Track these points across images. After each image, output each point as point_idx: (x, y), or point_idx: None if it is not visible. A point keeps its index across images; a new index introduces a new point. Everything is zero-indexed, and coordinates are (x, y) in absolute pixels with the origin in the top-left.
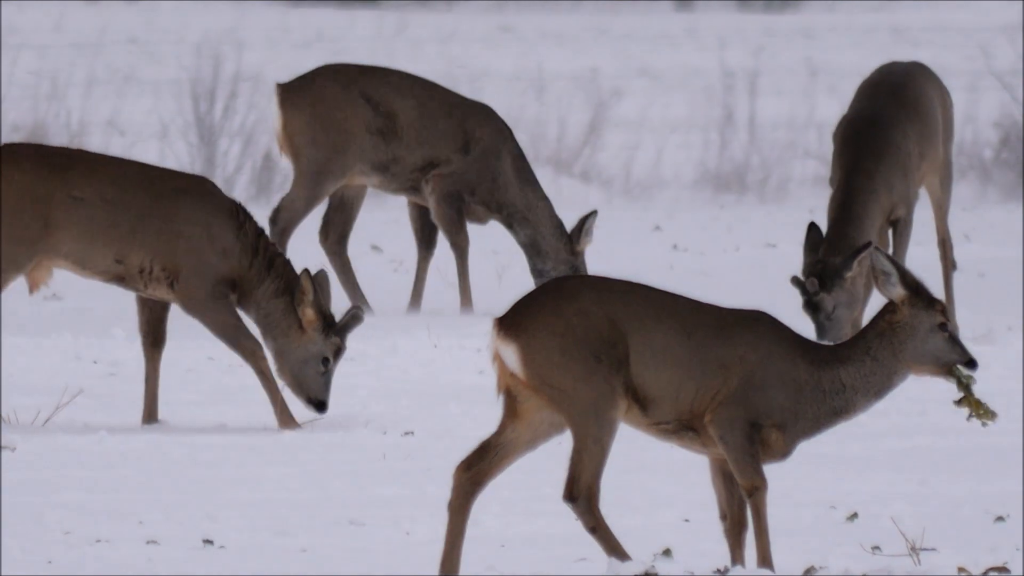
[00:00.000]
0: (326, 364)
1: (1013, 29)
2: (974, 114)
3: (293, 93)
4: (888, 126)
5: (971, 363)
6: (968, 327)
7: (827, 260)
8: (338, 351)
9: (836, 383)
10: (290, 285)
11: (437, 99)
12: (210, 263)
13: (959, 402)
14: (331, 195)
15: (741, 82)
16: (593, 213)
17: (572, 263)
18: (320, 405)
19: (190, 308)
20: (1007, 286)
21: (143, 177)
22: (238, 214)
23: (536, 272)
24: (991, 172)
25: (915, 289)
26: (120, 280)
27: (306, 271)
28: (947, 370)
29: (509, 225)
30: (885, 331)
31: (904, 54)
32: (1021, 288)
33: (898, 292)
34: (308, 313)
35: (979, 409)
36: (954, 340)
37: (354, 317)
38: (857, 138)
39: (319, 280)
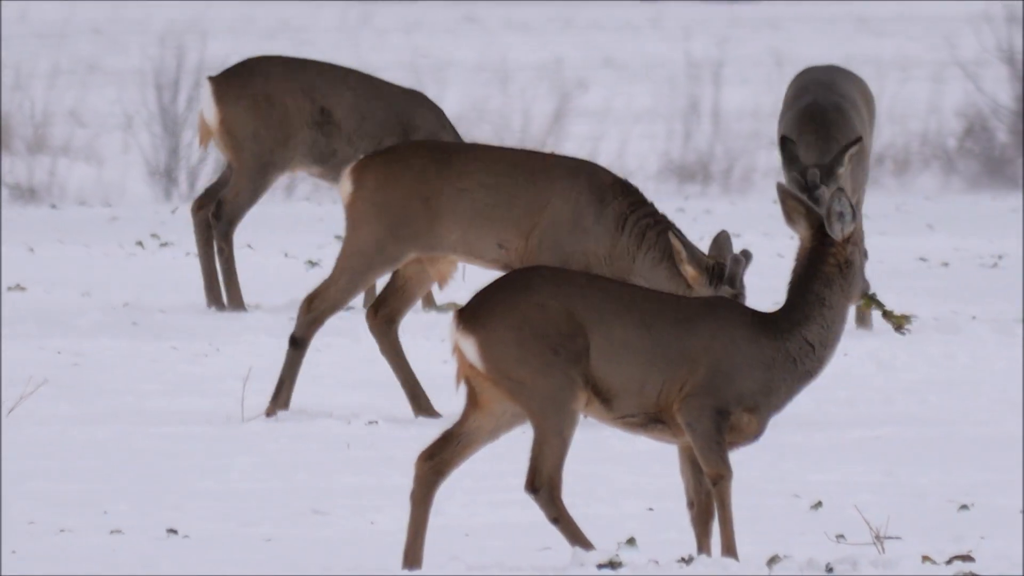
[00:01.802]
0: None
1: (977, 19)
2: (938, 104)
3: (229, 86)
4: (849, 114)
5: (869, 288)
6: (932, 317)
7: (817, 165)
8: (735, 298)
9: (803, 346)
10: (667, 251)
11: (372, 90)
12: (565, 241)
13: (885, 316)
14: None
15: (706, 72)
16: None
17: None
18: None
19: None
20: (971, 276)
21: (522, 161)
22: (605, 197)
23: None
24: (955, 162)
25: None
26: (507, 268)
27: (670, 230)
28: (862, 297)
29: None
30: (834, 275)
31: (869, 44)
32: (988, 279)
33: (849, 230)
34: (689, 271)
35: (895, 317)
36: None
37: (735, 261)
38: (823, 121)
39: (719, 240)
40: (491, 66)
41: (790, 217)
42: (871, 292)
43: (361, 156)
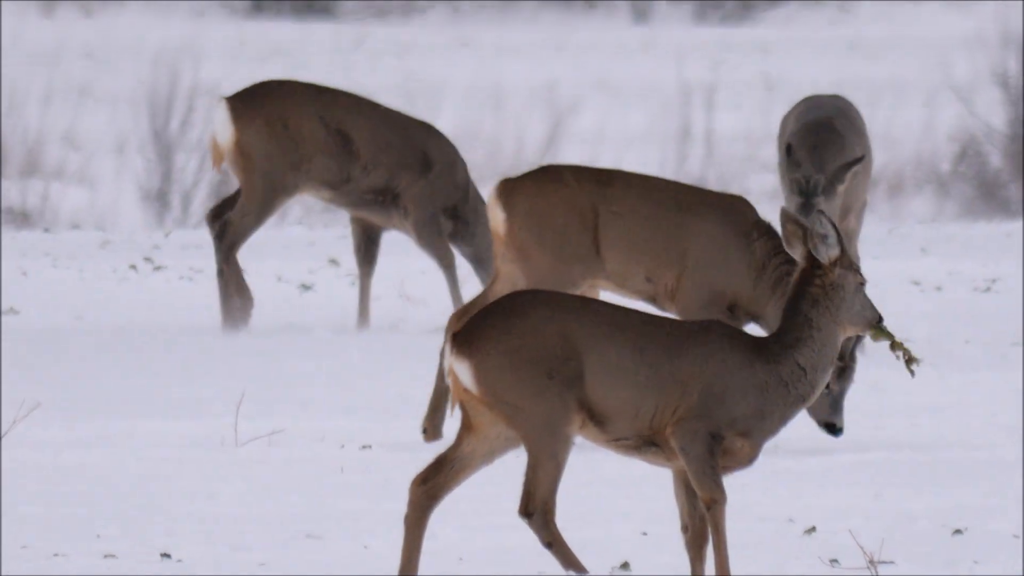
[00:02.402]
0: (827, 386)
1: (971, 42)
2: (932, 128)
3: (246, 107)
4: (850, 136)
5: (881, 318)
6: (926, 341)
7: (820, 175)
8: (841, 372)
9: (795, 370)
10: None
11: (389, 119)
12: (711, 280)
13: (892, 347)
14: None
15: (698, 95)
16: None
17: None
18: (830, 427)
19: (680, 314)
20: (964, 300)
21: (674, 193)
22: (752, 234)
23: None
24: (948, 186)
25: (843, 249)
26: (652, 300)
27: None
28: (870, 327)
29: (456, 238)
30: (819, 297)
31: (862, 68)
32: (981, 304)
33: (834, 253)
34: None
35: (908, 355)
36: (868, 297)
37: (859, 338)
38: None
39: None
40: (484, 89)
41: (789, 241)
42: (881, 323)
43: (502, 180)
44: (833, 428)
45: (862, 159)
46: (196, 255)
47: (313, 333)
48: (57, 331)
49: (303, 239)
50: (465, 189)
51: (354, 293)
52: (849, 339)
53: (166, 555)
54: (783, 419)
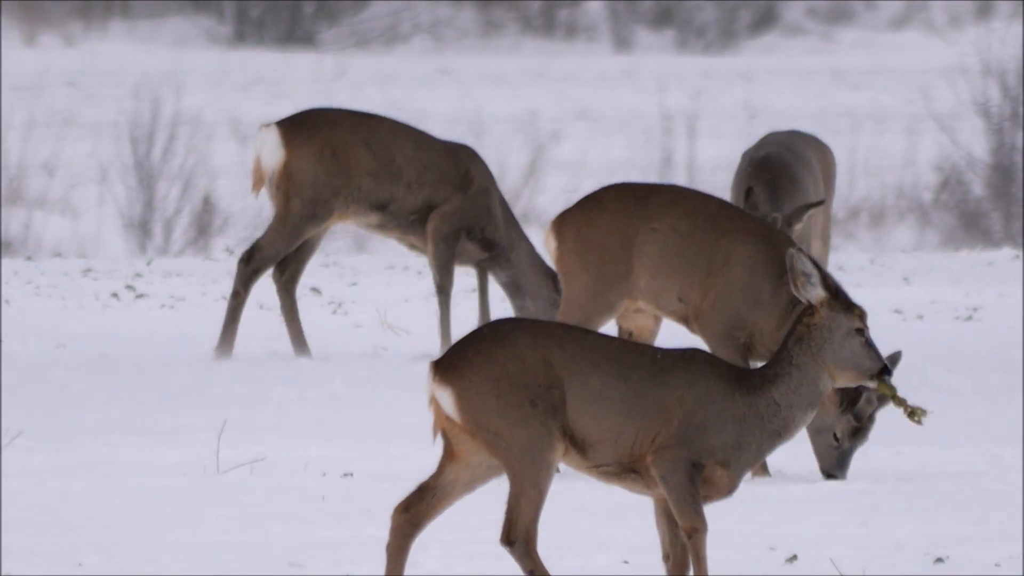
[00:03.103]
0: (837, 440)
1: (952, 72)
2: (913, 157)
3: (298, 132)
4: (799, 173)
5: (884, 370)
6: (908, 370)
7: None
8: (855, 432)
9: (771, 405)
10: None
11: (429, 141)
12: (737, 308)
13: (894, 402)
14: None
15: (680, 124)
16: None
17: (555, 301)
18: (830, 477)
19: (703, 336)
20: (946, 329)
21: (716, 213)
22: (783, 269)
23: (518, 310)
24: (930, 215)
25: (834, 292)
26: (685, 322)
27: None
28: (869, 378)
29: (493, 264)
30: (803, 336)
31: (843, 97)
32: (963, 333)
33: (817, 294)
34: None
35: (909, 409)
36: (871, 346)
37: (868, 401)
38: (774, 174)
39: (891, 358)
40: (466, 118)
41: (794, 283)
42: (882, 375)
43: (558, 214)
44: (834, 478)
45: (821, 203)
46: (178, 283)
47: (295, 361)
48: (39, 359)
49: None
50: (495, 214)
51: (334, 321)
52: (870, 404)
53: None
54: (760, 451)
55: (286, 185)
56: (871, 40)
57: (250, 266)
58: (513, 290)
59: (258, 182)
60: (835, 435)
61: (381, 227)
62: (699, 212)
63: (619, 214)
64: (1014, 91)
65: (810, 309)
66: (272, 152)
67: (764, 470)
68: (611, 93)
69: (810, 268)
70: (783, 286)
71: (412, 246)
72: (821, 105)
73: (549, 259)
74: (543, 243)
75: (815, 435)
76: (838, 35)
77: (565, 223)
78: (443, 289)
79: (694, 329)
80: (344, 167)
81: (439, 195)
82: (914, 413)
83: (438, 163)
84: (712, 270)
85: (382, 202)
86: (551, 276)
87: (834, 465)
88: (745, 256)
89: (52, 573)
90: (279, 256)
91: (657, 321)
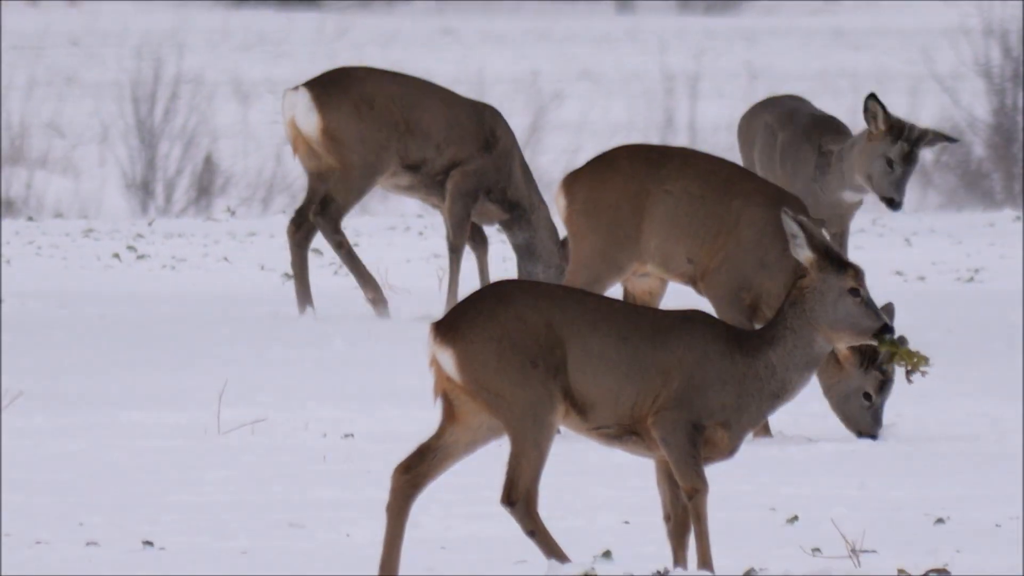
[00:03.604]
0: (869, 399)
1: (954, 32)
2: (915, 117)
3: (330, 93)
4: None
5: (885, 329)
6: (909, 331)
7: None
8: (881, 384)
9: (768, 367)
10: None
11: (454, 100)
12: (744, 270)
13: (896, 359)
14: (317, 191)
15: (682, 85)
16: None
17: (563, 269)
18: (867, 437)
19: (709, 297)
20: (948, 290)
21: (728, 176)
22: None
23: (526, 274)
24: (931, 176)
25: (823, 252)
26: (693, 283)
27: None
28: (869, 337)
29: (510, 226)
30: (796, 298)
31: (845, 57)
32: (964, 294)
33: (805, 255)
34: (843, 350)
35: (912, 359)
36: (868, 305)
37: (891, 354)
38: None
39: (885, 310)
40: (468, 79)
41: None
42: (883, 334)
43: (567, 173)
44: (874, 438)
45: (957, 140)
46: (179, 243)
47: (296, 322)
48: (40, 319)
49: (286, 228)
50: (516, 176)
51: (335, 282)
52: (880, 352)
53: (148, 543)
54: (760, 412)
55: (333, 146)
56: (872, 1)
57: (329, 216)
58: (525, 253)
59: (297, 146)
60: (866, 394)
61: (409, 188)
62: (712, 174)
63: (632, 176)
64: (1015, 52)
65: (802, 271)
66: (306, 115)
67: (766, 430)
68: (613, 54)
69: (795, 229)
70: (788, 252)
71: (435, 205)
72: (823, 66)
73: (558, 219)
74: (552, 202)
75: (843, 401)
76: None
77: (577, 183)
78: (455, 248)
79: (700, 290)
80: (382, 123)
81: (464, 154)
82: (917, 364)
83: (464, 122)
84: (722, 231)
85: (415, 163)
86: (562, 243)
87: (871, 424)
88: (756, 218)
89: (53, 533)
90: (352, 205)
91: (663, 284)
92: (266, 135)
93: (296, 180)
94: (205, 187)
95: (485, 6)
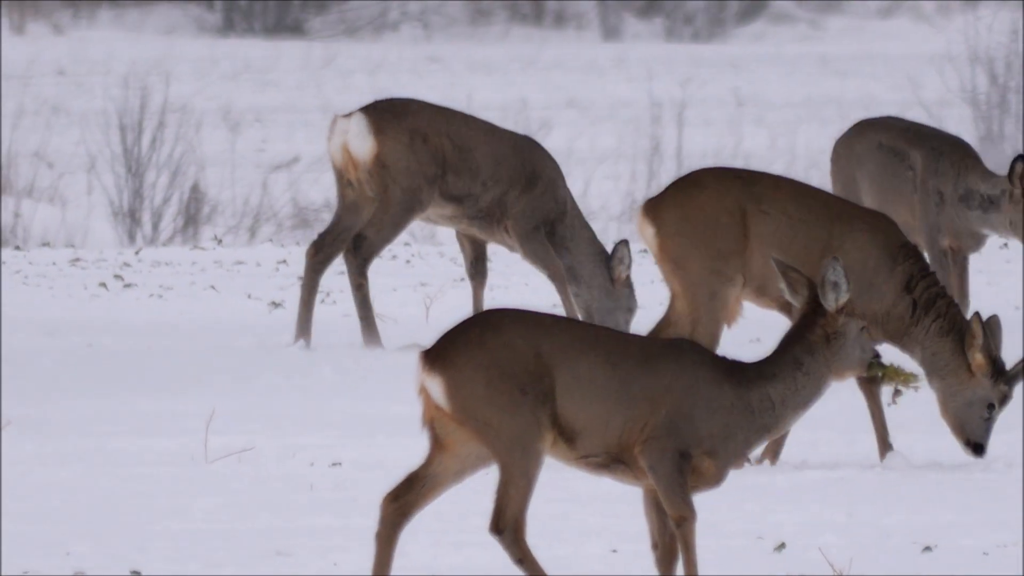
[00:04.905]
0: (991, 410)
1: (940, 59)
2: None
3: (387, 121)
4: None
5: (875, 355)
6: (896, 357)
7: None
8: (1004, 398)
9: (765, 401)
10: (956, 326)
11: (500, 135)
12: (852, 293)
13: (881, 380)
14: (343, 222)
15: (669, 113)
16: (623, 242)
17: (609, 290)
18: (978, 448)
19: None
20: None
21: (824, 200)
22: (897, 257)
23: (575, 297)
24: None
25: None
26: (785, 309)
27: (977, 315)
28: (867, 368)
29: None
30: (818, 344)
31: (832, 85)
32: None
33: (842, 299)
34: (978, 358)
35: (900, 377)
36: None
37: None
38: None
39: (991, 325)
40: (455, 107)
41: (792, 288)
42: (875, 359)
43: (645, 201)
44: (981, 449)
45: None
46: (166, 272)
47: (284, 350)
48: (28, 348)
49: (273, 257)
50: (564, 205)
51: (322, 310)
52: (1018, 367)
53: (136, 572)
54: (747, 443)
55: (381, 174)
56: (859, 28)
57: (360, 255)
58: (569, 277)
59: (347, 170)
60: (991, 405)
61: (451, 218)
62: (808, 196)
63: (724, 192)
64: (1002, 79)
65: (819, 319)
66: (361, 140)
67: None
68: (600, 82)
69: (842, 278)
70: (896, 269)
71: (474, 238)
72: (809, 93)
73: (650, 248)
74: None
75: (965, 407)
76: (826, 23)
77: (662, 206)
78: (554, 276)
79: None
80: (433, 156)
81: (511, 193)
82: (907, 380)
83: (510, 159)
84: (825, 255)
85: (459, 196)
86: (608, 266)
87: (984, 435)
88: (863, 242)
89: (41, 562)
90: (387, 242)
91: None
92: (253, 164)
93: (282, 208)
94: (192, 216)
95: (472, 34)
